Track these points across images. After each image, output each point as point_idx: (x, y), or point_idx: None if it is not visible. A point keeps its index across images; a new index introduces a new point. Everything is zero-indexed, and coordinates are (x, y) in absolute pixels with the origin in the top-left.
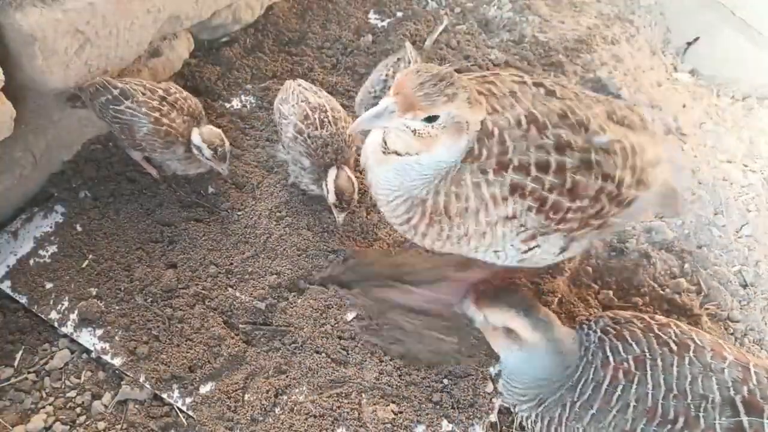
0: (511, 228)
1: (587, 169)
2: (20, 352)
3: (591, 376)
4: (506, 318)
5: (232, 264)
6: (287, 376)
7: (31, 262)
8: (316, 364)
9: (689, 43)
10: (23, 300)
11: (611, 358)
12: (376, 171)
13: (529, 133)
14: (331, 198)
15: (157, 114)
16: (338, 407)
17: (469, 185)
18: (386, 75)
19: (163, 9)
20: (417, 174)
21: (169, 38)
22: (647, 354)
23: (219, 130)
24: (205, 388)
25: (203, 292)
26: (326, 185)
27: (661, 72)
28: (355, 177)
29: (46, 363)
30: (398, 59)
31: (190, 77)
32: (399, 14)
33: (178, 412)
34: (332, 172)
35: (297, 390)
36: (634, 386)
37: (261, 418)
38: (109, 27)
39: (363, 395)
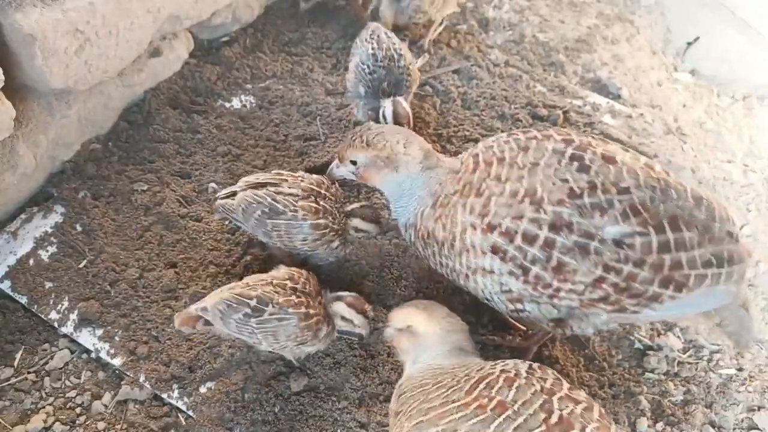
0: (492, 281)
1: (582, 254)
2: (20, 352)
3: None
4: (407, 315)
5: (232, 265)
6: (287, 376)
7: (31, 262)
8: (317, 365)
9: (689, 43)
10: (23, 300)
11: None
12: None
13: (520, 205)
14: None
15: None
16: (338, 408)
17: (458, 226)
18: (372, 49)
19: (162, 9)
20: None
21: (169, 38)
22: None
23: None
24: (205, 388)
25: (203, 292)
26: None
27: (662, 72)
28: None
29: (46, 363)
30: (372, 31)
31: (190, 77)
32: None
33: (178, 412)
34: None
35: (297, 390)
36: None
37: (261, 418)
38: (109, 27)
39: (364, 396)
